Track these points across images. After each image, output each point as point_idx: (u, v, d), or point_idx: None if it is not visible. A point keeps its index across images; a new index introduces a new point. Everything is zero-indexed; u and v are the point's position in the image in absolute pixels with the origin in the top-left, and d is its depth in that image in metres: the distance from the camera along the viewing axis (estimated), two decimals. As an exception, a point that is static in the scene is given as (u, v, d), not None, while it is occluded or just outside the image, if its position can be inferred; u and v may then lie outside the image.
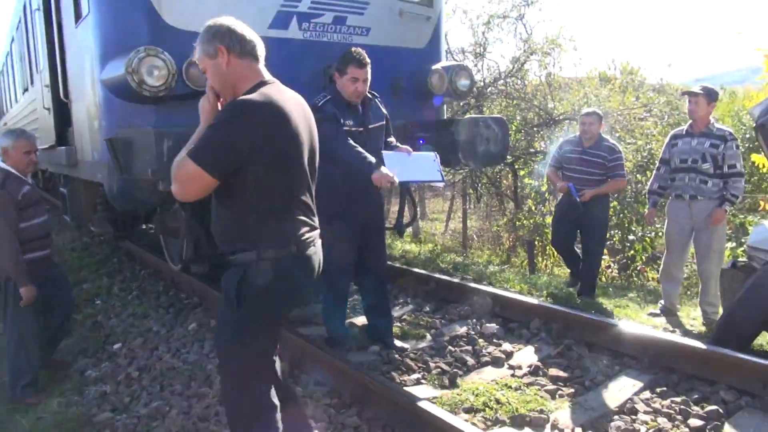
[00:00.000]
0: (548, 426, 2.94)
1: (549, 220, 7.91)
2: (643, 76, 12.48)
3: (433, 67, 5.12)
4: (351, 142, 3.60)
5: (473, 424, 2.86)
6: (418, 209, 5.03)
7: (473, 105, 9.83)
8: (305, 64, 4.44)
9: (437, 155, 3.58)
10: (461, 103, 9.55)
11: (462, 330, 4.29)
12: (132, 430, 3.11)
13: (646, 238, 7.99)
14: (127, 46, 3.82)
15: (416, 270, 5.79)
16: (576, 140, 5.24)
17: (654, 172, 5.02)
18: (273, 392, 2.23)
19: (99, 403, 3.50)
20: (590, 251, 5.29)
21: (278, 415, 2.21)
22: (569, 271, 5.78)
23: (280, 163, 2.05)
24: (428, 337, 4.24)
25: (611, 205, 8.30)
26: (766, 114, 3.18)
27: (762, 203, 7.95)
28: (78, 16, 4.58)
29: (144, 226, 8.21)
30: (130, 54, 3.68)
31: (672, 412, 3.01)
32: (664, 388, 3.27)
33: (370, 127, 3.81)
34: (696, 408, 3.03)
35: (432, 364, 3.71)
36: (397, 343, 4.05)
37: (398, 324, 4.43)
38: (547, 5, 11.64)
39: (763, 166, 8.89)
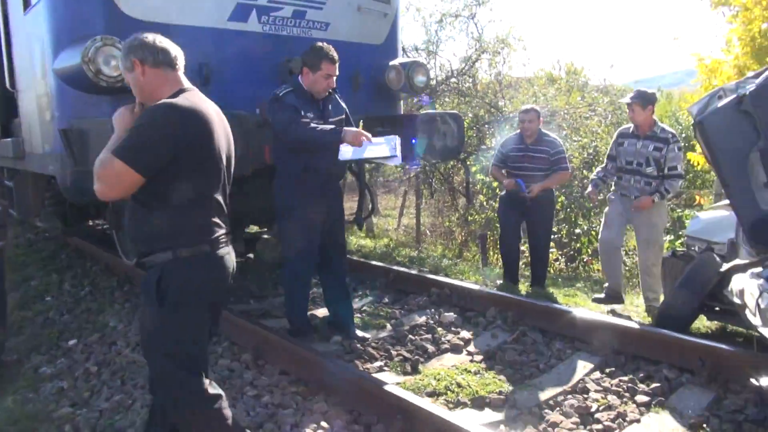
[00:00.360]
0: (507, 406, 3.08)
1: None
2: (587, 76, 12.99)
3: (391, 63, 5.22)
4: (307, 121, 3.65)
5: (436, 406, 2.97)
6: (375, 203, 5.11)
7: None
8: (265, 57, 4.45)
9: (398, 138, 3.69)
10: (415, 100, 9.70)
11: (421, 319, 4.40)
12: (94, 424, 3.07)
13: (592, 232, 8.34)
14: (82, 36, 3.75)
15: (374, 263, 5.88)
16: (517, 138, 5.32)
17: (602, 165, 5.24)
18: (212, 383, 2.28)
19: (57, 399, 3.43)
20: (539, 244, 5.47)
21: (224, 403, 2.27)
22: (503, 272, 5.65)
23: (199, 164, 2.15)
24: (388, 327, 4.33)
25: (558, 200, 8.66)
26: (704, 112, 3.42)
27: (698, 198, 8.44)
28: (27, 3, 4.44)
29: (90, 222, 7.98)
30: (86, 43, 3.61)
31: (620, 389, 3.21)
32: (613, 369, 3.47)
33: (330, 120, 3.87)
34: (642, 385, 3.23)
35: (394, 352, 3.81)
36: (359, 333, 4.12)
37: (358, 315, 4.51)
38: (497, 5, 11.96)
39: (698, 164, 9.44)
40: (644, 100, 4.66)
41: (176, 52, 2.23)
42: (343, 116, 3.99)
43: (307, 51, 3.77)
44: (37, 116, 4.52)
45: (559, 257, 8.79)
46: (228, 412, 2.27)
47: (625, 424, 2.88)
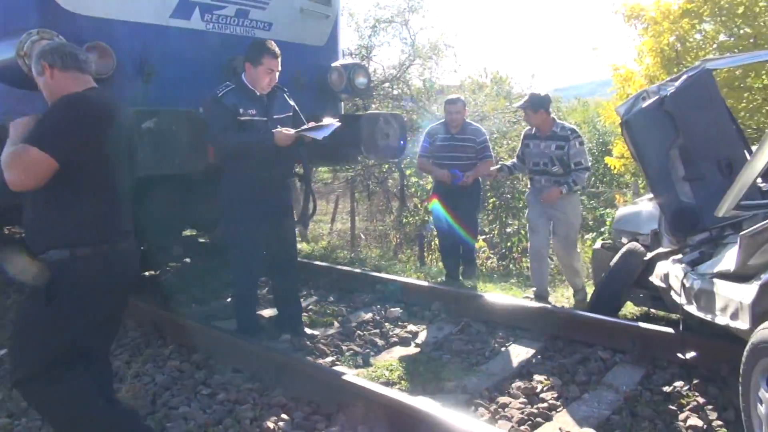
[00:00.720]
0: (459, 392, 3.21)
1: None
2: (511, 84, 13.58)
3: (333, 64, 5.28)
4: (247, 119, 3.73)
5: (392, 394, 3.05)
6: (316, 205, 5.15)
7: (361, 105, 10.13)
8: (208, 56, 4.41)
9: (338, 124, 3.82)
10: (349, 104, 9.80)
11: (368, 316, 4.48)
12: (35, 434, 2.94)
13: (522, 231, 8.72)
14: (14, 29, 3.59)
15: (317, 263, 5.90)
16: (442, 128, 5.43)
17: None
18: (88, 378, 2.27)
19: (-9, 411, 3.24)
20: (469, 233, 5.53)
21: (97, 397, 2.27)
22: (444, 268, 5.84)
23: (103, 158, 2.19)
24: (336, 324, 4.38)
25: (490, 201, 9.01)
26: (630, 112, 3.71)
27: (618, 197, 9.04)
28: (-52, -7, 4.17)
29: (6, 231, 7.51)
30: (20, 36, 3.46)
31: (561, 371, 3.42)
32: (552, 353, 3.70)
33: (274, 117, 3.90)
34: (580, 366, 3.46)
35: (344, 347, 3.87)
36: (307, 330, 4.15)
37: (305, 314, 4.51)
38: (430, 12, 12.31)
39: (615, 168, 10.10)
40: (534, 104, 4.83)
41: (85, 56, 2.31)
42: (291, 113, 4.02)
43: (249, 46, 3.81)
44: (-40, 113, 4.25)
45: (491, 256, 9.12)
46: (110, 408, 2.29)
47: (568, 401, 3.08)
